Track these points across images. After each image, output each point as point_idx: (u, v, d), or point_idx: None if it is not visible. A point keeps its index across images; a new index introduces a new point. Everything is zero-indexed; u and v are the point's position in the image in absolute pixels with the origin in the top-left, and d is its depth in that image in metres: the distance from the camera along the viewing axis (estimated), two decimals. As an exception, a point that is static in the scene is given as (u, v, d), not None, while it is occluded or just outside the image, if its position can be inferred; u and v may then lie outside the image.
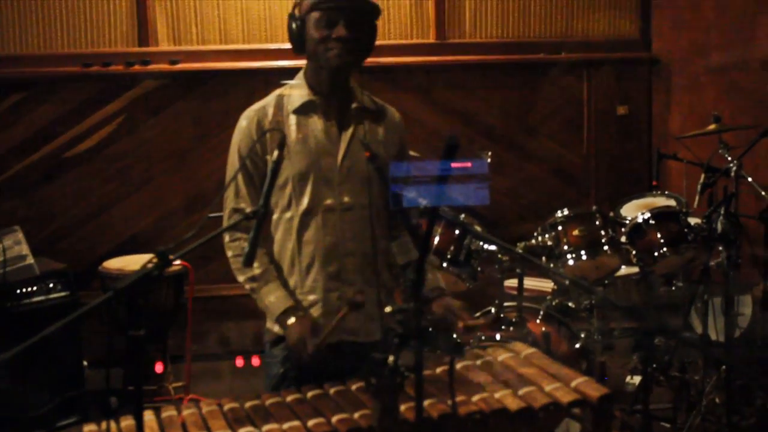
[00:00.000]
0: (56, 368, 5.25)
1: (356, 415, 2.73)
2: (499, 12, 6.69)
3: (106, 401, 5.53)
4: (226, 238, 3.30)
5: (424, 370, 2.99)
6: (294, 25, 3.25)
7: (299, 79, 3.33)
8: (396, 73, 6.53)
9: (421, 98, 6.57)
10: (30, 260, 5.14)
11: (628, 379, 5.50)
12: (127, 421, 2.77)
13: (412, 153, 5.05)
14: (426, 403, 2.75)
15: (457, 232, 4.60)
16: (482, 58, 6.63)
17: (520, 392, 2.81)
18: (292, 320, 3.20)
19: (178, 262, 5.56)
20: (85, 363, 5.56)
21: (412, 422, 2.63)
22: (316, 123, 3.28)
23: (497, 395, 2.80)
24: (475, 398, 2.78)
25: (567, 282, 4.63)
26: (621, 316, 5.71)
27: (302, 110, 3.28)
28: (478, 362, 3.09)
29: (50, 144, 6.25)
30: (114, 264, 5.60)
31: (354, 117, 3.29)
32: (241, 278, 3.29)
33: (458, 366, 3.05)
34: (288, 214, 3.28)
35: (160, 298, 5.57)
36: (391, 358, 2.21)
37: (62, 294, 5.32)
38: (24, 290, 5.16)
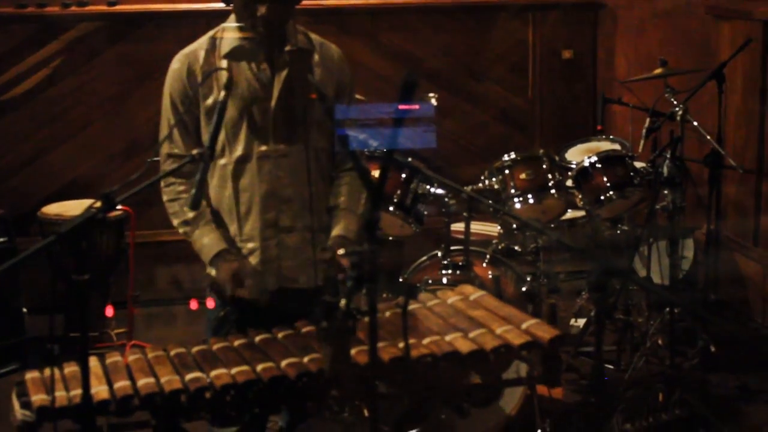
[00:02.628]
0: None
1: (305, 359, 2.70)
2: (443, -47, 6.62)
3: (48, 348, 5.44)
4: (162, 183, 3.23)
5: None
6: None
7: (231, 22, 3.24)
8: (340, 16, 6.43)
9: (366, 42, 6.48)
10: (-34, 205, 5.02)
11: (572, 321, 5.53)
12: (71, 368, 2.72)
13: (357, 96, 5.00)
14: (378, 346, 2.72)
15: (403, 175, 4.57)
16: (428, 1, 6.56)
17: (471, 335, 2.80)
18: (221, 263, 3.17)
19: (119, 207, 5.49)
20: (24, 309, 5.47)
21: (363, 366, 2.61)
22: (248, 67, 3.19)
23: (448, 338, 2.79)
24: (426, 341, 2.77)
25: (519, 223, 4.61)
26: (567, 258, 5.75)
27: (234, 54, 3.19)
28: (429, 304, 3.07)
29: (-15, 87, 6.08)
30: (53, 209, 5.48)
31: (288, 59, 3.20)
32: (175, 222, 3.25)
33: (408, 309, 3.02)
34: (222, 161, 3.21)
35: (102, 243, 5.48)
36: (343, 302, 2.17)
37: (0, 239, 5.21)
38: (-38, 237, 5.05)
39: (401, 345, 2.73)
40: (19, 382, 2.66)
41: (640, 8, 6.56)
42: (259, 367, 2.66)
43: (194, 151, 2.74)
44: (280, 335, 2.91)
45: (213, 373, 2.64)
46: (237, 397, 2.61)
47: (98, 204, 2.26)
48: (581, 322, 5.30)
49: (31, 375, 2.69)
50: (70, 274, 4.91)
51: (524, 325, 2.82)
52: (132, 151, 6.18)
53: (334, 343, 2.27)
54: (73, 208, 5.44)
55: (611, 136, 5.50)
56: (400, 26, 6.52)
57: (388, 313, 3.00)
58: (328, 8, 6.35)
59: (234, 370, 2.65)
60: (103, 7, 6.13)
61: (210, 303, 3.34)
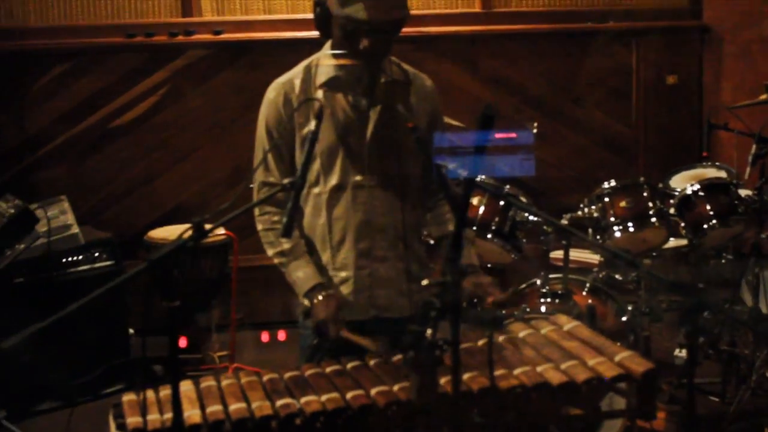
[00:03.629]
0: (102, 336, 5.28)
1: (395, 388, 2.70)
2: (546, -21, 6.59)
3: (151, 369, 5.56)
4: (256, 212, 3.28)
5: (465, 343, 2.97)
6: (318, 11, 3.20)
7: (326, 51, 3.26)
8: (441, 43, 6.44)
9: (467, 68, 6.48)
10: (75, 230, 5.16)
11: (676, 352, 5.41)
12: (166, 391, 2.76)
13: (455, 123, 5.01)
14: (466, 376, 2.72)
15: (501, 203, 4.55)
16: (528, 27, 6.53)
17: (563, 366, 2.77)
18: (318, 299, 3.18)
19: (222, 231, 5.60)
20: (131, 331, 5.60)
21: (451, 395, 2.60)
22: (343, 98, 3.22)
23: (539, 369, 2.76)
24: (517, 372, 2.74)
25: (609, 254, 4.55)
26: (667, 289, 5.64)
27: (330, 84, 3.21)
28: (521, 335, 3.04)
29: (95, 114, 6.25)
30: (158, 234, 5.61)
31: (383, 91, 3.22)
32: (270, 252, 3.27)
33: (500, 339, 3.00)
34: (316, 190, 3.24)
35: (206, 267, 5.59)
36: (429, 332, 2.17)
37: (107, 263, 5.35)
38: (70, 259, 5.20)
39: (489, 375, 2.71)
40: (116, 404, 2.72)
41: (748, 32, 6.44)
42: (349, 395, 2.67)
43: (285, 180, 2.77)
44: (371, 363, 2.91)
45: (303, 399, 2.66)
46: (327, 424, 2.62)
47: (190, 231, 2.30)
48: (685, 353, 5.19)
49: (127, 397, 2.75)
50: (163, 300, 5.01)
51: (617, 358, 2.78)
52: (236, 177, 6.28)
53: (421, 373, 2.27)
54: (177, 232, 5.52)
55: (717, 163, 5.38)
56: (500, 53, 6.51)
57: (480, 343, 2.98)
58: (428, 35, 6.37)
59: (324, 397, 2.67)
60: (209, 36, 6.27)
61: (299, 330, 3.37)
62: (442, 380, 2.68)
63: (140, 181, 6.35)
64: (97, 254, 5.31)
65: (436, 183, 3.20)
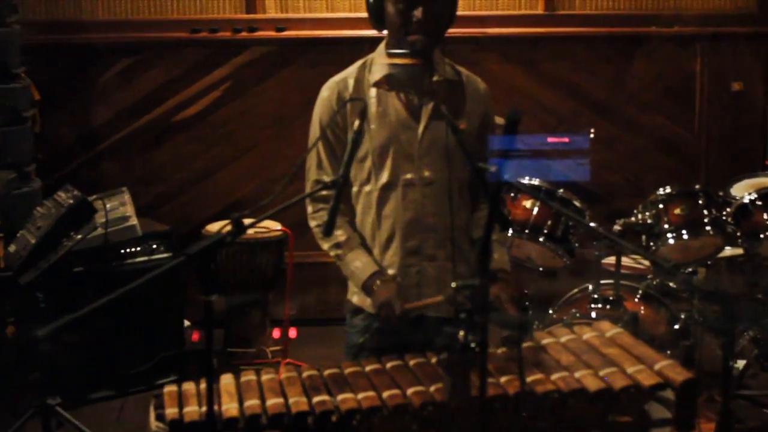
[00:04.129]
0: (158, 327, 5.36)
1: (432, 389, 2.71)
2: (610, -17, 6.54)
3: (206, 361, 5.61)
4: (309, 209, 3.32)
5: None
6: (371, 0, 3.23)
7: (380, 51, 3.30)
8: (503, 44, 6.42)
9: (528, 70, 6.45)
10: (133, 221, 5.24)
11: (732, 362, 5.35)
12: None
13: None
14: (503, 380, 2.72)
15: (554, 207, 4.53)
16: (592, 30, 6.47)
17: (601, 373, 2.75)
18: (377, 284, 3.19)
19: (278, 227, 5.65)
20: (187, 323, 5.68)
21: (486, 399, 2.61)
22: (397, 96, 3.24)
23: (577, 375, 2.75)
24: (554, 377, 2.74)
25: (650, 261, 4.50)
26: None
27: (383, 83, 3.24)
28: (563, 340, 3.03)
29: (159, 108, 6.34)
30: (215, 227, 5.67)
31: (435, 90, 3.23)
32: (325, 246, 3.29)
33: (542, 343, 3.00)
34: (368, 188, 3.26)
35: (261, 263, 5.64)
36: (461, 334, 2.18)
37: (165, 255, 5.42)
38: (128, 250, 5.28)
39: (529, 379, 2.71)
40: (157, 395, 2.77)
41: (817, 39, 6.33)
42: (386, 394, 2.69)
43: (326, 179, 2.79)
44: (411, 363, 2.92)
45: (340, 396, 2.68)
46: (362, 422, 2.64)
47: (229, 227, 2.34)
48: (741, 363, 5.12)
49: (168, 389, 2.80)
50: (229, 292, 5.06)
51: (657, 366, 2.76)
52: (295, 173, 6.31)
53: (454, 374, 2.28)
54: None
55: (780, 172, 5.31)
56: (562, 55, 6.46)
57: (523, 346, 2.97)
58: (491, 36, 6.36)
59: (360, 395, 2.69)
60: (272, 33, 6.32)
61: (346, 328, 3.39)
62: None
63: (201, 175, 6.43)
64: (155, 246, 5.39)
65: (480, 185, 3.20)
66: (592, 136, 4.85)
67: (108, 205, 5.21)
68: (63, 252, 4.56)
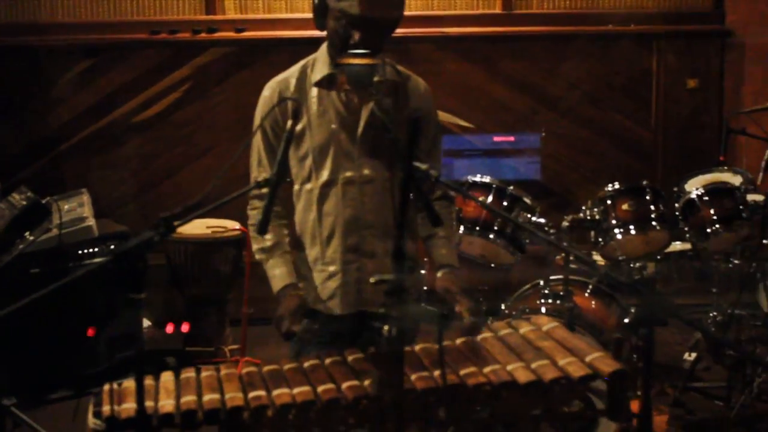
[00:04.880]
0: (116, 327, 5.37)
1: (366, 383, 2.75)
2: (567, -19, 6.60)
3: (163, 360, 5.63)
4: (248, 208, 3.36)
5: (444, 341, 3.01)
6: (316, 2, 3.26)
7: (323, 52, 3.34)
8: (461, 44, 6.47)
9: (487, 69, 6.51)
10: (90, 222, 5.24)
11: (686, 355, 5.41)
12: (148, 381, 2.85)
13: (465, 123, 5.04)
14: (436, 373, 2.76)
15: (504, 203, 4.57)
16: (549, 29, 6.54)
17: (533, 365, 2.80)
18: (286, 296, 3.27)
19: (237, 227, 5.67)
20: (148, 323, 5.70)
21: (418, 391, 2.66)
22: (337, 96, 3.28)
23: (509, 368, 2.80)
24: (486, 370, 2.78)
25: (573, 256, 4.54)
26: (679, 290, 5.63)
27: (323, 83, 3.28)
28: (500, 334, 3.08)
29: (119, 109, 6.37)
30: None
31: (375, 89, 3.27)
32: (254, 247, 3.37)
33: (478, 338, 3.04)
34: (308, 186, 3.31)
35: (219, 262, 5.67)
36: (386, 328, 2.22)
37: (122, 256, 5.42)
38: (85, 251, 5.29)
39: (462, 372, 2.76)
40: (96, 393, 2.80)
41: (770, 36, 6.40)
42: (320, 389, 2.73)
43: (259, 178, 2.83)
44: (350, 358, 2.96)
45: (275, 392, 2.72)
46: (298, 417, 2.68)
47: (161, 226, 2.37)
48: (694, 356, 5.18)
49: (108, 387, 2.83)
50: (187, 291, 5.06)
51: (588, 358, 2.81)
52: (225, 172, 6.34)
53: (381, 368, 2.32)
54: (193, 227, 5.64)
55: (734, 168, 5.36)
56: (520, 54, 6.52)
57: (458, 341, 3.02)
58: (449, 36, 6.41)
59: (296, 390, 2.73)
60: (232, 34, 6.36)
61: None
62: (414, 376, 2.75)
63: (162, 175, 6.46)
64: (112, 246, 5.39)
65: (415, 185, 3.24)
66: (543, 134, 4.90)
67: (66, 206, 5.23)
68: (16, 253, 4.58)
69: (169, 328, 5.63)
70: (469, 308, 3.11)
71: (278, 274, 3.31)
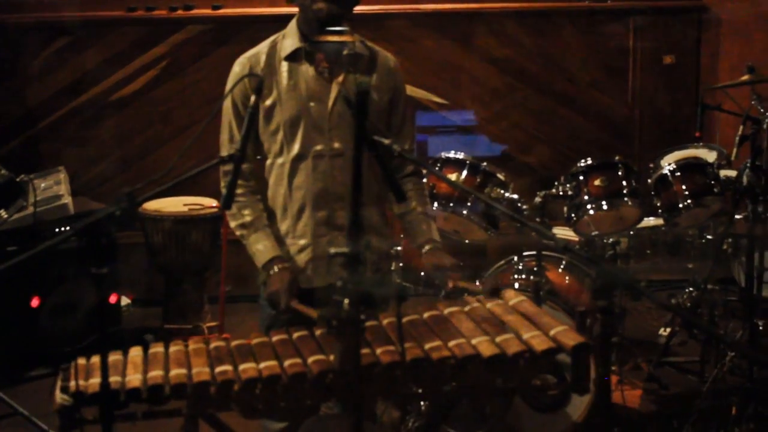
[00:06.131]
0: (94, 304, 5.38)
1: (332, 357, 2.77)
2: (544, -42, 6.60)
3: (142, 338, 5.65)
4: (222, 184, 3.37)
5: (413, 314, 3.04)
6: None
7: (292, 26, 3.36)
8: (437, 20, 6.48)
9: (463, 45, 6.52)
10: (65, 200, 5.25)
11: (661, 331, 5.46)
12: (115, 356, 2.88)
13: (438, 99, 5.06)
14: (407, 346, 2.78)
15: (478, 179, 4.59)
16: (525, 6, 6.55)
17: (497, 339, 2.82)
18: (274, 270, 3.27)
19: (214, 204, 5.68)
20: (127, 300, 5.71)
21: (382, 365, 2.69)
22: (307, 70, 3.30)
23: (474, 341, 2.82)
24: (451, 344, 2.80)
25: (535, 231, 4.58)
26: (651, 266, 5.67)
27: (293, 57, 3.31)
28: (466, 308, 3.10)
29: (96, 87, 6.37)
30: (152, 205, 5.69)
31: (345, 62, 3.28)
32: (232, 224, 3.37)
33: (445, 312, 3.06)
34: (280, 160, 3.33)
35: (197, 239, 5.68)
36: (346, 302, 2.24)
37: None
38: (61, 230, 5.29)
39: (427, 346, 2.78)
40: (65, 368, 2.81)
41: (746, 12, 6.41)
42: (287, 363, 2.75)
43: (223, 153, 2.85)
44: (318, 333, 2.98)
45: (242, 366, 2.74)
46: (265, 391, 2.70)
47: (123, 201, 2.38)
48: (668, 331, 5.23)
49: (77, 362, 2.85)
50: (168, 269, 5.04)
51: (552, 332, 2.83)
52: (189, 147, 6.35)
53: (342, 341, 2.34)
54: (171, 204, 5.66)
55: (710, 144, 5.39)
56: (497, 30, 6.53)
57: (426, 315, 3.04)
58: (425, 12, 6.42)
59: (262, 365, 2.74)
60: (208, 11, 6.36)
61: (259, 300, 3.45)
62: (379, 350, 2.77)
63: (139, 154, 6.46)
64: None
65: (406, 159, 3.26)
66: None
67: (42, 185, 5.24)
68: (-10, 231, 4.58)
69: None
70: (462, 278, 3.15)
71: (262, 248, 3.32)
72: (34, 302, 5.12)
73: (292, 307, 3.19)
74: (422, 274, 4.65)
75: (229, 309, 5.79)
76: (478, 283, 4.63)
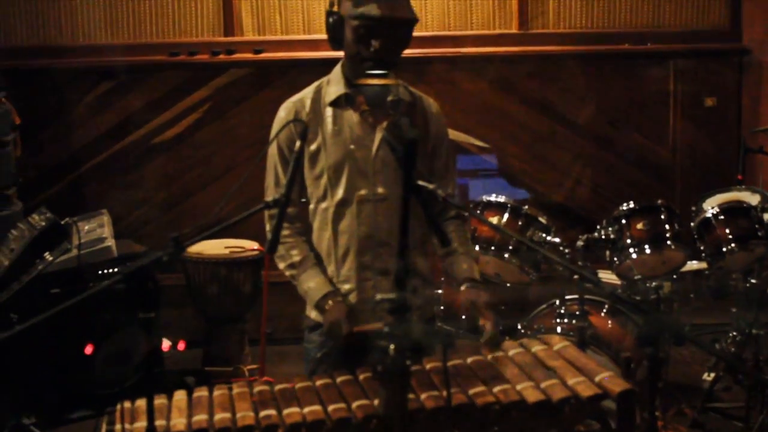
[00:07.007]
0: (131, 347, 5.40)
1: (376, 402, 2.76)
2: (583, 1, 6.61)
3: (183, 380, 5.65)
4: (267, 227, 3.39)
5: (457, 359, 3.03)
6: (331, 20, 3.29)
7: (337, 72, 3.38)
8: (478, 63, 6.51)
9: (504, 89, 6.54)
10: (109, 243, 5.27)
11: (705, 375, 5.40)
12: (160, 400, 2.88)
13: (480, 143, 5.07)
14: (446, 393, 2.77)
15: (519, 223, 4.59)
16: (565, 49, 6.57)
17: (543, 385, 2.81)
18: (329, 304, 3.26)
19: (255, 246, 5.71)
20: (167, 342, 5.72)
21: (426, 410, 2.67)
22: (352, 115, 3.31)
23: (519, 387, 2.80)
24: (496, 389, 2.79)
25: (579, 275, 4.54)
26: (694, 309, 5.61)
27: (338, 103, 3.32)
28: (510, 353, 3.09)
29: (139, 130, 6.46)
30: (193, 248, 5.70)
31: (389, 108, 3.29)
32: (281, 265, 3.37)
33: (489, 357, 3.05)
34: (323, 205, 3.34)
35: (239, 282, 5.70)
36: (392, 347, 2.23)
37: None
38: (105, 272, 5.32)
39: (472, 392, 2.77)
40: (110, 411, 2.83)
41: (788, 54, 6.41)
42: (331, 408, 2.75)
43: (269, 198, 2.87)
44: (361, 377, 2.98)
45: (286, 411, 2.74)
46: (309, 436, 2.70)
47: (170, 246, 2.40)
48: (713, 376, 5.17)
49: (122, 405, 2.86)
50: (206, 311, 5.06)
51: (597, 378, 2.81)
52: (234, 192, 6.40)
53: (388, 387, 2.33)
54: (212, 247, 5.68)
55: (753, 187, 5.35)
56: (536, 73, 6.55)
57: (469, 360, 3.04)
58: (466, 56, 6.44)
59: (306, 410, 2.74)
60: (250, 55, 6.43)
61: (304, 344, 3.45)
62: (423, 395, 2.76)
63: (181, 196, 6.52)
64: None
65: (421, 203, 3.27)
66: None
67: (86, 227, 5.28)
68: (35, 273, 4.62)
69: (181, 346, 5.66)
70: (495, 321, 3.13)
71: (314, 285, 3.32)
72: (88, 349, 5.14)
73: (355, 332, 3.17)
74: (463, 317, 4.64)
75: (270, 352, 5.78)
76: (519, 326, 4.66)
